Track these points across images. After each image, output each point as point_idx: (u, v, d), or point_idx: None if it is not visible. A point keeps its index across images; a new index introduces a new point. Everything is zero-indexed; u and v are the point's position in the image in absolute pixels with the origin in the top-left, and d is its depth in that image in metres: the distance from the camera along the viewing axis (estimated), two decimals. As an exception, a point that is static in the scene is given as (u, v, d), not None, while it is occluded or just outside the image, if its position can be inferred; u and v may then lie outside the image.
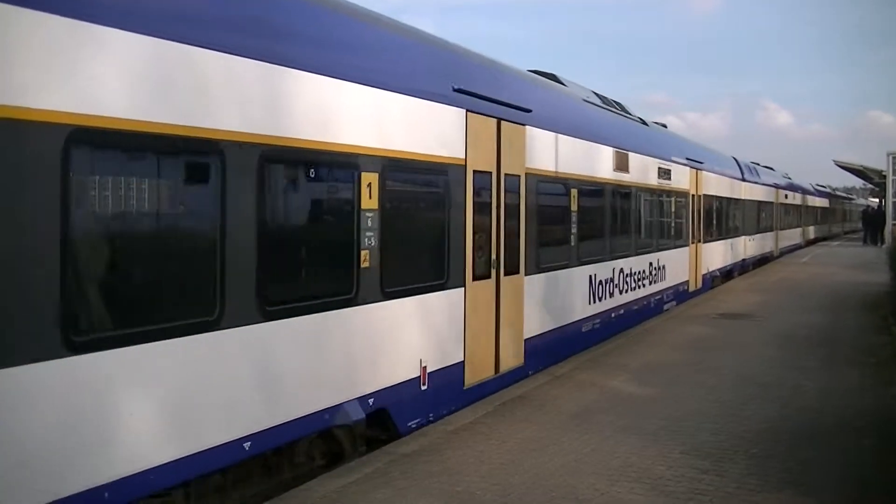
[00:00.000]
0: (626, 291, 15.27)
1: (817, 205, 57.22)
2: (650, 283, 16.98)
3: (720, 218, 24.26)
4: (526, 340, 10.83)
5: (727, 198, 25.27)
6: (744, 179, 28.41)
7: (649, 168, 16.83)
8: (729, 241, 25.69)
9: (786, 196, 39.65)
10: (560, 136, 11.97)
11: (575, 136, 12.61)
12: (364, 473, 7.01)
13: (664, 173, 17.94)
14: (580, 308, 13.01)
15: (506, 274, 10.15)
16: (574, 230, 12.58)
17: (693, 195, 20.64)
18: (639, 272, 16.11)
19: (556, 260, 12.01)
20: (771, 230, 35.12)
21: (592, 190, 13.54)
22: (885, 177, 40.10)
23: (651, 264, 16.99)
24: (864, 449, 7.81)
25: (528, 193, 10.84)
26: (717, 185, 23.67)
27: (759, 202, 31.80)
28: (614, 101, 16.70)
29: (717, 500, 6.47)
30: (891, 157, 38.33)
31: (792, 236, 42.69)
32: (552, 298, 11.82)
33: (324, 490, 6.61)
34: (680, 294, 19.67)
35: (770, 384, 10.56)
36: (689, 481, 6.89)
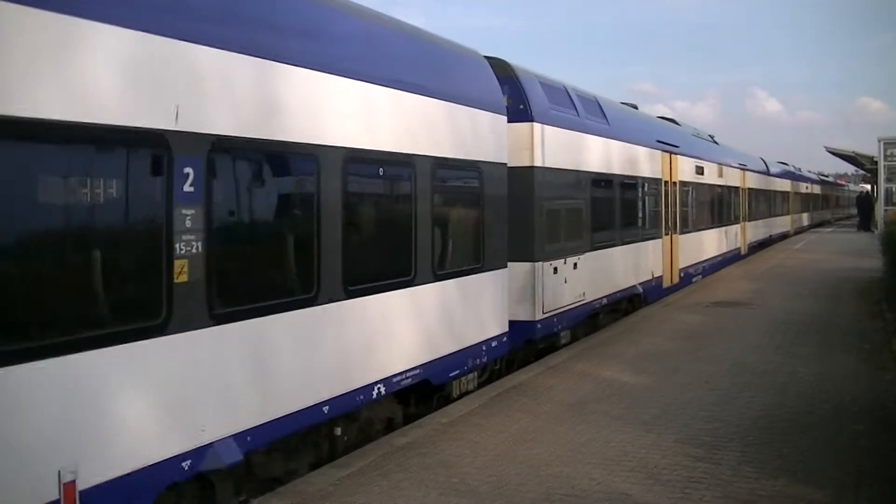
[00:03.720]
0: None
1: (777, 188, 40.08)
2: None
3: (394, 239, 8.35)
4: None
5: (447, 175, 9.33)
6: (584, 130, 13.51)
7: None
8: (458, 282, 9.34)
9: (699, 172, 21.91)
10: None
11: None
12: (359, 467, 7.00)
13: None
14: None
15: None
16: None
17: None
18: None
19: None
20: (654, 237, 17.56)
21: None
22: (876, 163, 40.10)
23: None
24: (859, 434, 7.82)
25: None
26: (353, 116, 7.53)
27: (624, 181, 15.53)
28: None
29: (712, 489, 6.47)
30: (882, 144, 38.33)
31: (722, 241, 25.38)
32: None
33: (320, 483, 6.60)
34: None
35: (765, 371, 10.57)
36: (685, 469, 6.89)
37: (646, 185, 17.14)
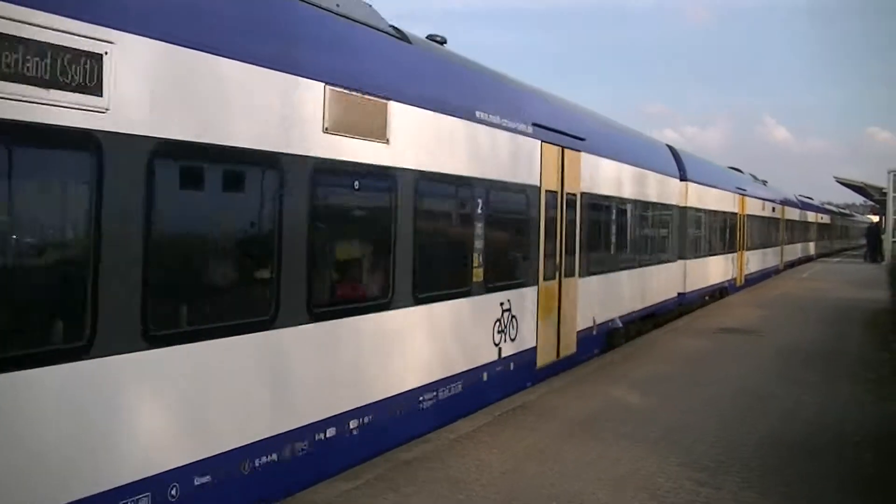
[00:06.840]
0: None
1: (710, 207, 22.82)
2: None
3: None
4: None
5: None
6: None
7: None
8: None
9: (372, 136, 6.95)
10: None
11: None
12: (367, 479, 7.06)
13: None
14: None
15: None
16: None
17: None
18: None
19: None
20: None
21: None
22: (885, 194, 40.13)
23: None
24: (863, 463, 7.87)
25: None
26: None
27: None
28: None
29: (716, 512, 6.53)
30: (891, 175, 38.32)
31: (470, 335, 9.68)
32: None
33: (327, 494, 6.66)
34: None
35: (769, 397, 10.62)
36: (688, 493, 6.95)
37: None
